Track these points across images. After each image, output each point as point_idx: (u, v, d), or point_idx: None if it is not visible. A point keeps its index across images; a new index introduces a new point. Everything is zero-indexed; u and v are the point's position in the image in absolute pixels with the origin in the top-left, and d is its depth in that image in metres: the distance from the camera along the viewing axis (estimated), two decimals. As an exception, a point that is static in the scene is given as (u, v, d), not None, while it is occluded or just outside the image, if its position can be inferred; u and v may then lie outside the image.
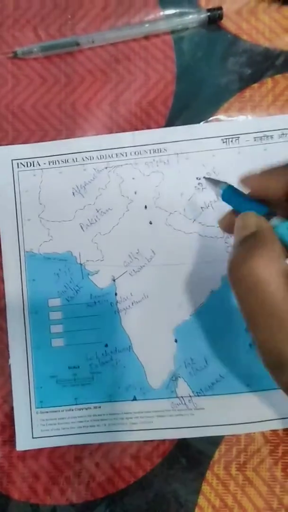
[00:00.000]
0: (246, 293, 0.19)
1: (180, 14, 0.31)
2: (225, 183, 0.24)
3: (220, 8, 0.30)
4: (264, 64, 0.31)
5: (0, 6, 0.32)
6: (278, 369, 0.19)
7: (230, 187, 0.23)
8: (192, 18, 0.31)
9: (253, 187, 0.22)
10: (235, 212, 0.23)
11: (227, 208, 0.23)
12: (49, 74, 0.32)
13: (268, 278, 0.19)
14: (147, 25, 0.31)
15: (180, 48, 0.31)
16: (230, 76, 0.31)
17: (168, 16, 0.31)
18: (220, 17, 0.31)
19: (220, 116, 0.31)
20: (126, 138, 0.30)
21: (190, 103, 0.31)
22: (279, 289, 0.18)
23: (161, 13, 0.31)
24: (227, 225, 0.23)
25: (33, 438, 0.29)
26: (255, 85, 0.31)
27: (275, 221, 0.21)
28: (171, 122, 0.31)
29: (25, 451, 0.29)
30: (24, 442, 0.29)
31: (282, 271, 0.19)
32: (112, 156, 0.30)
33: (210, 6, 0.31)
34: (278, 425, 0.28)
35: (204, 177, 0.28)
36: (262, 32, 0.31)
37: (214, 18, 0.31)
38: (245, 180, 0.23)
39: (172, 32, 0.31)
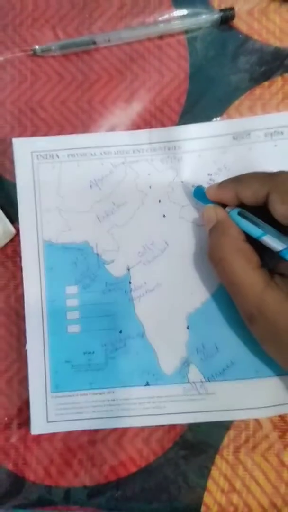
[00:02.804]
0: (221, 271, 0.27)
1: (194, 14, 0.32)
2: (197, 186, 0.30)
3: (232, 9, 0.32)
4: (274, 63, 0.32)
5: (20, 6, 0.33)
6: (249, 322, 0.26)
7: (199, 188, 0.30)
8: (205, 18, 0.32)
9: (210, 197, 0.29)
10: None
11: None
12: (66, 71, 0.33)
13: (231, 258, 0.26)
14: (161, 25, 0.32)
15: (193, 47, 0.33)
16: (241, 75, 0.32)
17: (182, 16, 0.32)
18: (232, 17, 0.32)
19: (231, 114, 0.32)
20: (143, 135, 0.31)
21: (202, 100, 0.32)
22: (238, 265, 0.25)
23: (175, 13, 0.32)
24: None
25: (48, 422, 0.30)
26: (266, 83, 0.32)
27: (227, 208, 0.28)
28: (184, 118, 0.32)
29: (40, 434, 0.30)
30: (39, 426, 0.30)
31: (239, 250, 0.26)
32: (128, 152, 0.31)
33: (222, 7, 0.32)
34: (286, 410, 0.29)
35: (182, 181, 0.31)
36: (273, 32, 0.32)
37: (226, 18, 0.32)
38: (206, 190, 0.29)
39: (186, 32, 0.33)
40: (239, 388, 0.29)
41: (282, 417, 0.30)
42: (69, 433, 0.30)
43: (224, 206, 0.28)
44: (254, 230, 0.26)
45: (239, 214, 0.27)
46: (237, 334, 0.29)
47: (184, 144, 0.31)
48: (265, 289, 0.25)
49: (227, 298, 0.30)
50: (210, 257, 0.27)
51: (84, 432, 0.30)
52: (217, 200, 0.28)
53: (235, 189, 0.27)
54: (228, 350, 0.29)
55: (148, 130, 0.31)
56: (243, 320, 0.27)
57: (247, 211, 0.27)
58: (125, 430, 0.30)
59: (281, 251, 0.25)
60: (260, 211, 0.27)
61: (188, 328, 0.30)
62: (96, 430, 0.30)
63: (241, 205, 0.27)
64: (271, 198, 0.25)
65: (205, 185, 0.30)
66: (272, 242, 0.26)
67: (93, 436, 0.30)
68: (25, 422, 0.31)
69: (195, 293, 0.30)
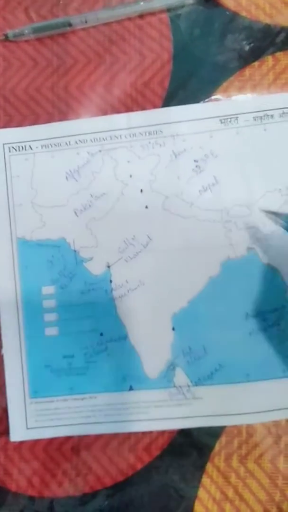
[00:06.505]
0: None
1: (176, -9, 0.30)
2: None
3: (217, -17, 0.29)
4: (264, 42, 0.30)
5: (-9, -12, 0.31)
6: None
7: None
8: (189, -6, 0.30)
9: None
10: None
11: None
12: (41, 56, 0.31)
13: None
14: (141, 3, 0.30)
15: (177, 26, 0.30)
16: (229, 55, 0.30)
17: (164, -7, 0.30)
18: (218, -8, 0.29)
19: (219, 96, 0.30)
20: (121, 120, 0.29)
21: (187, 83, 0.30)
22: None
23: (156, -11, 0.30)
24: None
25: (27, 428, 0.28)
26: (255, 63, 0.30)
27: None
28: (168, 103, 0.30)
29: (21, 443, 0.29)
30: (18, 433, 0.28)
31: None
32: (106, 138, 0.29)
33: (207, -19, 0.30)
34: (280, 416, 0.28)
35: (263, 211, 0.28)
36: (263, 8, 0.30)
37: (212, -6, 0.29)
38: None
39: (168, 10, 0.30)
40: (228, 392, 0.28)
41: (275, 421, 0.28)
42: (51, 441, 0.29)
43: None
44: None
45: None
46: (226, 336, 0.28)
47: (167, 128, 0.29)
48: None
49: (215, 296, 0.28)
50: None
51: (67, 440, 0.29)
52: None
53: None
54: (217, 352, 0.28)
55: (126, 114, 0.29)
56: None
57: None
58: (110, 438, 0.29)
59: None
60: None
61: (173, 329, 0.28)
62: (80, 438, 0.29)
63: None
64: None
65: (192, 173, 0.28)
66: None
67: (77, 444, 0.29)
68: (5, 431, 0.29)
69: (181, 291, 0.28)
